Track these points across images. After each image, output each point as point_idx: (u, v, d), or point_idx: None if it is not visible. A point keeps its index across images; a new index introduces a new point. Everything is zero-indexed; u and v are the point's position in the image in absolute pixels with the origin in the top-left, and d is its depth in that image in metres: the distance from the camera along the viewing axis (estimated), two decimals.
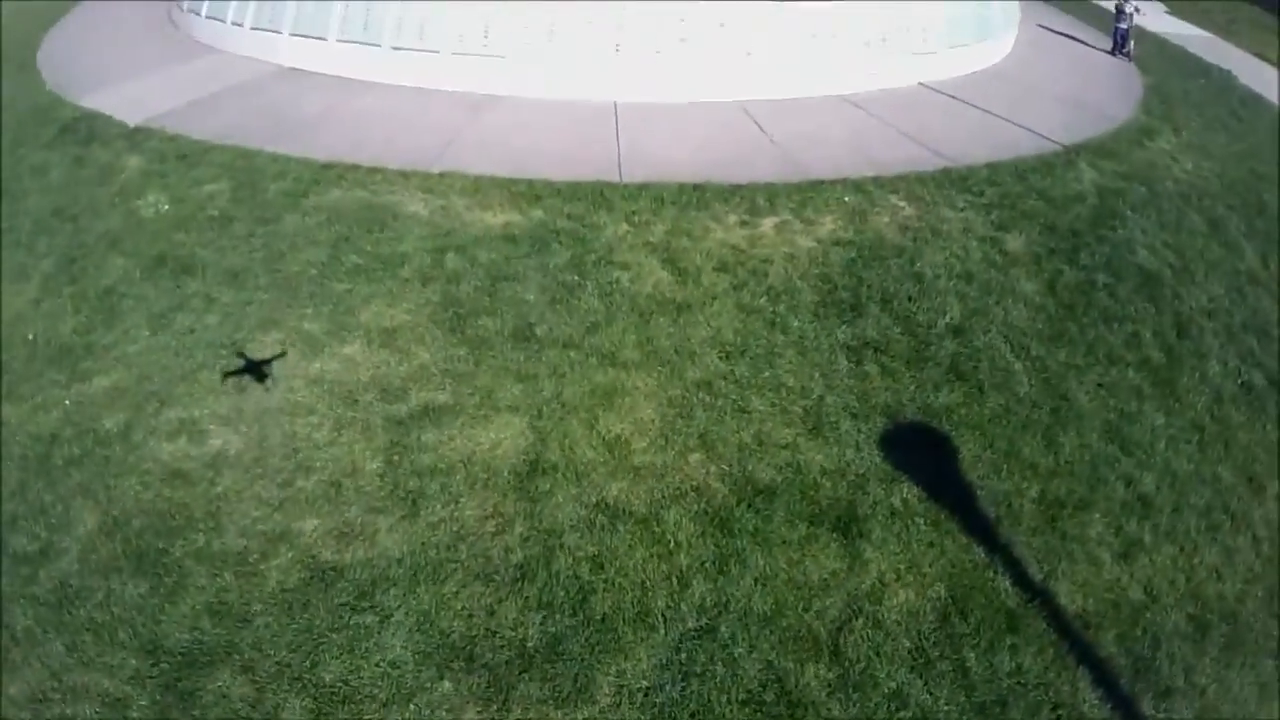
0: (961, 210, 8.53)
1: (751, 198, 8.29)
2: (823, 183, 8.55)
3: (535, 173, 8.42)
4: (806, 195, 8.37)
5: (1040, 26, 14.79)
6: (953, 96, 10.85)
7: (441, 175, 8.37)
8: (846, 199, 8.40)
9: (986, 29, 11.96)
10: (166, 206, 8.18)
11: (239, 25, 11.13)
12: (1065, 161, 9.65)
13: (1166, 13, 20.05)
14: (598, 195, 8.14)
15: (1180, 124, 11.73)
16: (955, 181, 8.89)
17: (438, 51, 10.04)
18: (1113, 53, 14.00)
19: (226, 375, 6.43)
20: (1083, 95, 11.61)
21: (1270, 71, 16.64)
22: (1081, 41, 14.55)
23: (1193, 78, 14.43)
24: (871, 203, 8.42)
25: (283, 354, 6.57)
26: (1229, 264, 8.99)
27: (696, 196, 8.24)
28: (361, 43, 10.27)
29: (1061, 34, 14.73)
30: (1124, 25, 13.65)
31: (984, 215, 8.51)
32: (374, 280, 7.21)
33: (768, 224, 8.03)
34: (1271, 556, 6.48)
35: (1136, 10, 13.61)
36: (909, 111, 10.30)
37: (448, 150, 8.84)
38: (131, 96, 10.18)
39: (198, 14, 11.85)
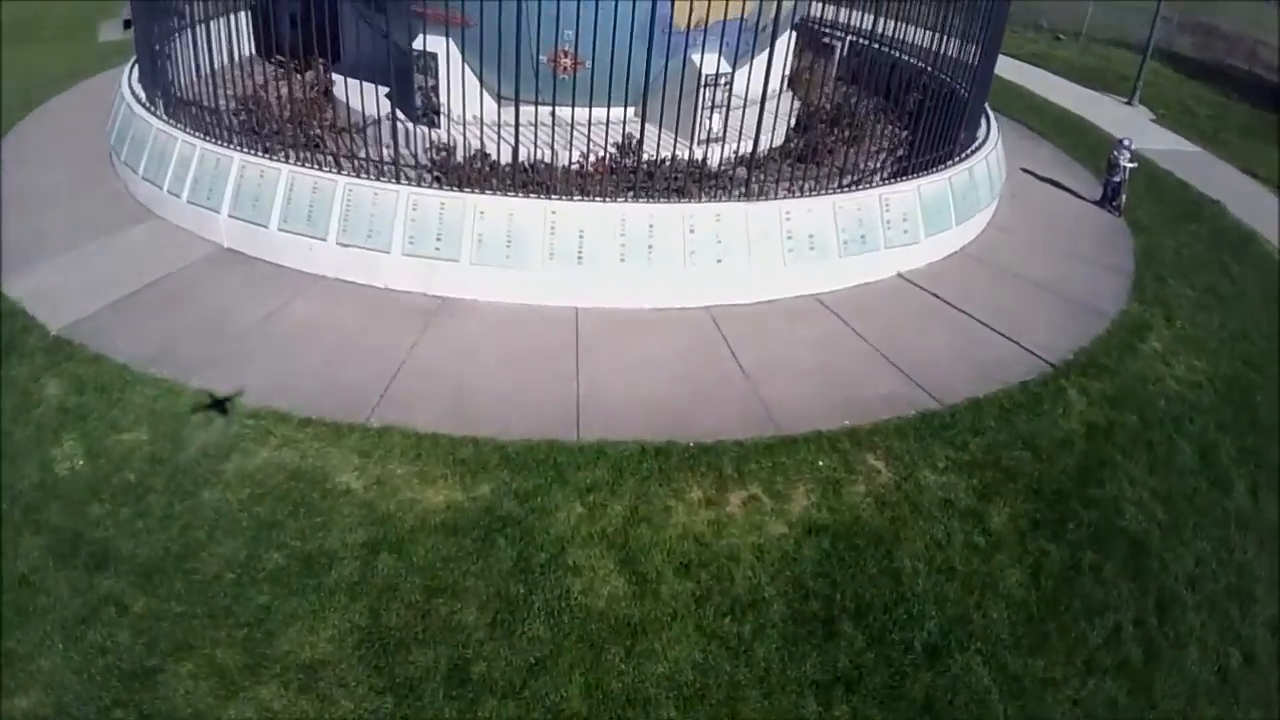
0: (943, 472, 7.96)
1: (718, 464, 7.66)
2: (795, 440, 7.94)
3: (484, 424, 7.76)
4: (777, 459, 7.76)
5: (1024, 171, 14.30)
6: (934, 294, 10.30)
7: (380, 432, 7.67)
8: (820, 463, 7.80)
9: (972, 207, 11.43)
10: (82, 463, 7.45)
11: (175, 195, 10.34)
12: (1054, 391, 9.11)
13: (1152, 120, 19.73)
14: (551, 465, 7.48)
15: (1172, 307, 11.28)
16: (936, 431, 8.32)
17: (387, 252, 9.34)
18: (1101, 203, 13.54)
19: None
20: (1071, 281, 11.10)
21: (1260, 192, 16.33)
22: (1068, 190, 14.07)
23: (1184, 223, 14.02)
24: (847, 467, 7.83)
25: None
26: (1218, 507, 8.54)
27: (659, 464, 7.59)
28: (305, 235, 9.53)
29: (1046, 180, 14.23)
30: (1117, 178, 13.19)
31: (966, 478, 7.95)
32: (296, 592, 6.51)
33: (735, 501, 7.42)
34: None
35: (1131, 164, 13.15)
36: (887, 319, 9.73)
37: (390, 388, 8.15)
38: (58, 284, 9.42)
39: (134, 170, 11.05)
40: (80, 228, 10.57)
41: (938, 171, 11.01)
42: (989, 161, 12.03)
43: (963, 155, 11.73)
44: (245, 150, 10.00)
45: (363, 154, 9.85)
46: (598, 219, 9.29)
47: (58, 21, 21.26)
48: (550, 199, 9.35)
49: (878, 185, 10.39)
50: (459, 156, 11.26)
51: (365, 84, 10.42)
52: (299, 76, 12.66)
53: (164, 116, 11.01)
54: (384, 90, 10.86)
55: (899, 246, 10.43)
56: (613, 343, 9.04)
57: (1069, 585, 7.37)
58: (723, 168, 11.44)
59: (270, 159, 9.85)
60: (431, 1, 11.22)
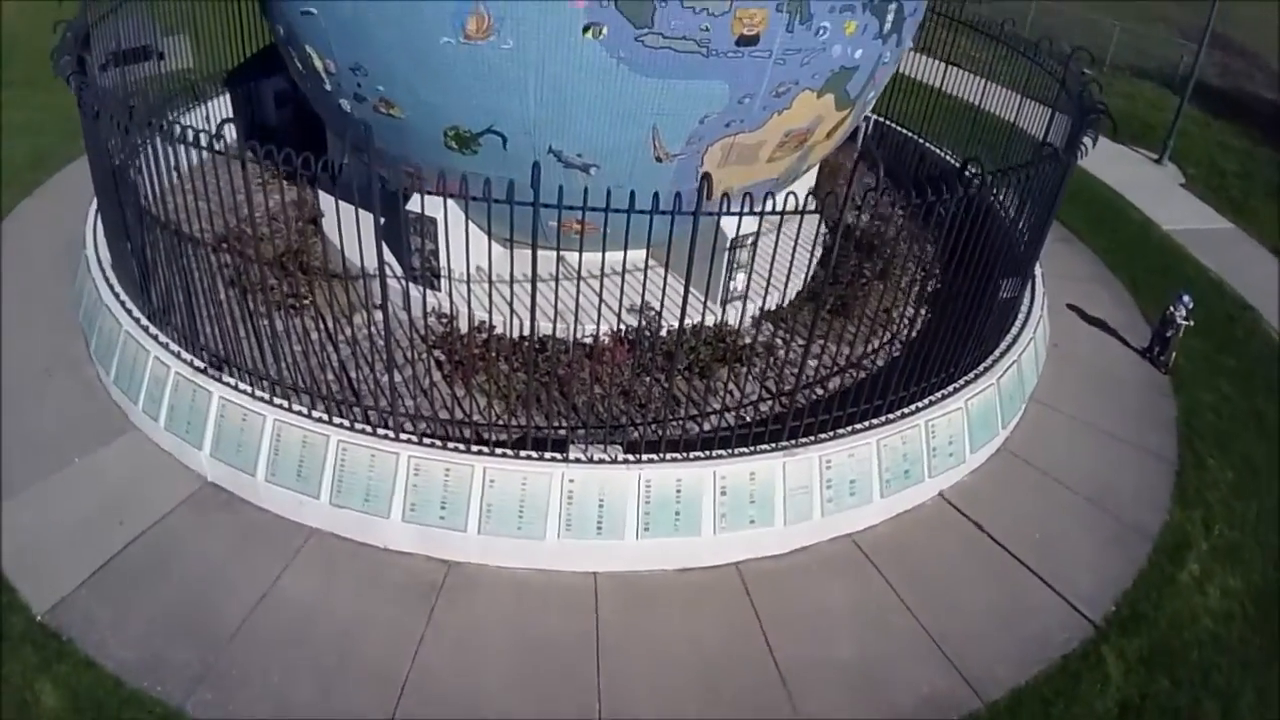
0: None
1: None
2: None
3: None
4: None
5: (1070, 309, 13.49)
6: (976, 524, 9.69)
7: None
8: None
9: (1017, 403, 10.71)
10: None
11: (152, 418, 9.43)
12: (1093, 663, 8.67)
13: (1181, 185, 18.71)
14: None
15: (1212, 506, 10.75)
16: None
17: (386, 517, 8.55)
18: (1146, 353, 12.85)
19: None
20: (1114, 483, 10.53)
21: None
22: (1116, 335, 13.32)
23: (1221, 357, 13.38)
24: None
25: None
26: None
27: None
28: (295, 491, 8.71)
29: (1093, 321, 13.47)
30: (1169, 333, 12.45)
31: None
32: None
33: None
34: None
35: (1186, 320, 12.35)
36: (927, 570, 9.15)
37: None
38: (35, 536, 8.65)
39: (105, 371, 10.08)
40: (52, 442, 9.64)
41: (984, 375, 10.21)
42: (1037, 339, 11.20)
43: (1011, 339, 10.92)
44: (225, 384, 9.04)
45: (357, 405, 8.98)
46: (619, 488, 8.49)
47: (27, 58, 19.14)
48: (566, 464, 8.50)
49: (924, 410, 9.58)
50: (462, 326, 10.45)
51: (355, 221, 9.20)
52: (284, 185, 11.52)
53: (133, 314, 9.96)
54: (376, 229, 9.66)
55: (943, 473, 9.76)
56: (636, 627, 8.39)
57: None
58: (742, 329, 10.72)
59: (253, 397, 8.92)
60: (428, 171, 10.12)
